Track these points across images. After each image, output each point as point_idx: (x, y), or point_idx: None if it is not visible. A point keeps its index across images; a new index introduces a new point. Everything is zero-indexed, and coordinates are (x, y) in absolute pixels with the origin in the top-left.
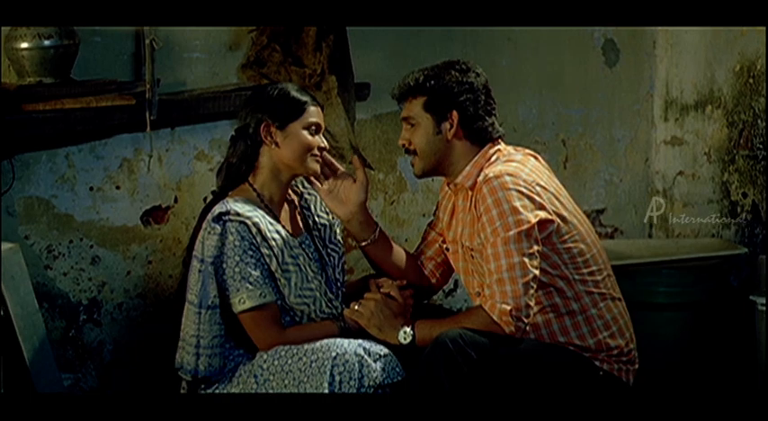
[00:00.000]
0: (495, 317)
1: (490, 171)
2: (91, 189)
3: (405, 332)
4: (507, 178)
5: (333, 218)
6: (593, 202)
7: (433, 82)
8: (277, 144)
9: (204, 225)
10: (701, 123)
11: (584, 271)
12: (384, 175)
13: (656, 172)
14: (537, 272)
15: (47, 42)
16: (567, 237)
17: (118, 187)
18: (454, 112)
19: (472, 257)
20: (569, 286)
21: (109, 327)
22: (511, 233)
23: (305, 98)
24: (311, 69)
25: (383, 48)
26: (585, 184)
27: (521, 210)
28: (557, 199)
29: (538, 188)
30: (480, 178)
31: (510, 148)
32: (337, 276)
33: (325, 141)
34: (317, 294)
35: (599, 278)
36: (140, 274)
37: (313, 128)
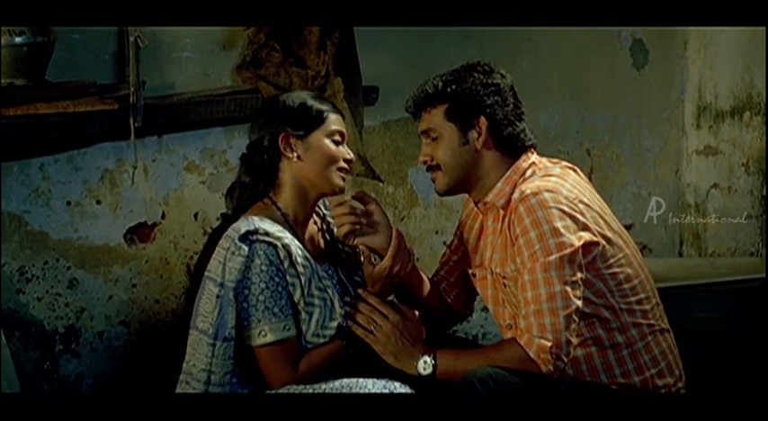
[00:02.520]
0: (531, 354)
1: (527, 187)
2: (68, 204)
3: (425, 362)
4: (547, 195)
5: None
6: (620, 217)
7: (454, 86)
8: (299, 157)
9: (225, 243)
10: (738, 131)
11: (632, 299)
12: (394, 188)
13: (687, 184)
14: (580, 303)
15: (18, 39)
16: (612, 260)
17: (98, 202)
18: (482, 118)
19: (504, 286)
20: (615, 316)
21: (88, 358)
22: (551, 258)
23: (325, 106)
24: (314, 71)
25: (393, 47)
26: (612, 198)
27: (562, 231)
28: (601, 218)
29: (581, 206)
30: (516, 196)
31: (545, 160)
32: None
33: (351, 152)
34: (338, 333)
35: (647, 307)
36: (123, 299)
37: (337, 136)
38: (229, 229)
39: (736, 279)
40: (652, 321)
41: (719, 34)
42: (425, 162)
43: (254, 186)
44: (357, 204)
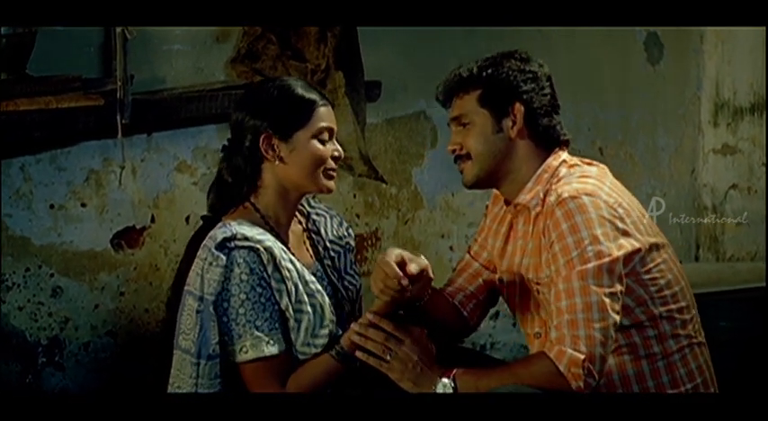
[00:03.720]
0: (561, 368)
1: (563, 190)
2: (51, 207)
3: (444, 384)
4: (586, 199)
5: (347, 242)
6: None
7: (490, 71)
8: (282, 159)
9: (203, 254)
10: (759, 129)
11: (673, 306)
12: (397, 190)
13: (703, 185)
14: (617, 317)
15: None
16: (652, 266)
17: (83, 204)
18: (518, 104)
19: (538, 292)
20: (653, 324)
21: (73, 372)
22: (590, 266)
23: (312, 96)
24: (314, 64)
25: (397, 41)
26: None
27: (602, 239)
28: (641, 222)
29: (620, 211)
30: (552, 198)
31: (576, 159)
32: (357, 314)
33: (339, 148)
34: (329, 342)
35: (687, 317)
36: (110, 308)
37: (325, 134)
38: (207, 238)
39: (759, 286)
40: (691, 332)
41: (738, 28)
42: (454, 151)
43: (235, 188)
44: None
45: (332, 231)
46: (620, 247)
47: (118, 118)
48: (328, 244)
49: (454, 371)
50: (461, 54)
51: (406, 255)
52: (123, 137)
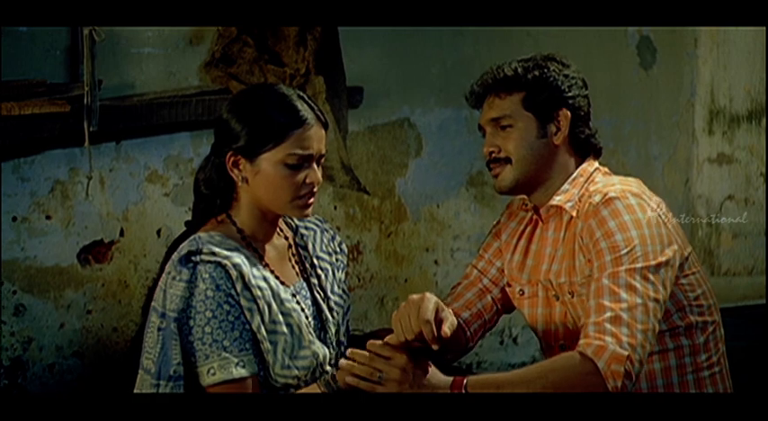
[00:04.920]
0: (600, 364)
1: (609, 190)
2: (14, 219)
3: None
4: (633, 200)
5: (336, 259)
6: None
7: (536, 73)
8: (246, 181)
9: (168, 268)
10: (756, 137)
11: (708, 319)
12: (380, 201)
13: (698, 196)
14: (658, 326)
15: None
16: (690, 273)
17: (48, 217)
18: (564, 111)
19: (572, 295)
20: (688, 334)
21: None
22: (638, 265)
23: (294, 116)
24: (292, 69)
25: (379, 43)
26: None
27: (650, 240)
28: (680, 228)
29: (663, 217)
30: (597, 198)
31: (605, 168)
32: (341, 338)
33: (318, 175)
34: (312, 365)
35: (718, 334)
36: (77, 327)
37: (293, 160)
38: (175, 251)
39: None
40: (721, 350)
41: (734, 31)
42: (491, 153)
43: (210, 200)
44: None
45: (320, 247)
46: (667, 252)
47: (85, 125)
48: (315, 260)
49: (465, 380)
50: (446, 58)
51: (441, 306)
52: (90, 145)
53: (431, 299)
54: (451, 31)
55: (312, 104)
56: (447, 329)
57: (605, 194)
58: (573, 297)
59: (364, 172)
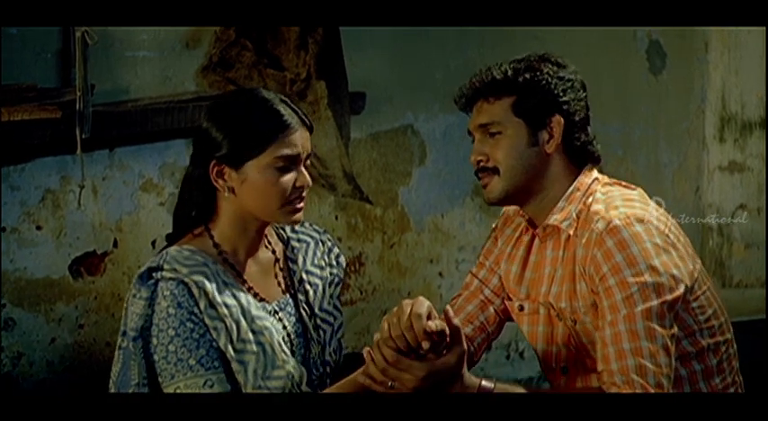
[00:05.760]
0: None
1: (611, 215)
2: (3, 230)
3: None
4: (639, 227)
5: (330, 273)
6: None
7: (527, 76)
8: (233, 190)
9: (131, 285)
10: None
11: (720, 339)
12: (382, 211)
13: (708, 204)
14: (673, 363)
15: None
16: (700, 293)
17: (39, 227)
18: (557, 117)
19: (574, 323)
20: (700, 358)
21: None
22: (653, 304)
23: (278, 120)
24: (293, 73)
25: (382, 47)
26: None
27: (661, 269)
28: (688, 246)
29: (672, 237)
30: (600, 226)
31: (606, 178)
32: (327, 357)
33: (308, 177)
34: (287, 385)
35: (731, 352)
36: (68, 342)
37: (282, 163)
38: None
39: None
40: (735, 369)
41: (746, 35)
42: (479, 161)
43: (189, 212)
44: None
45: (312, 260)
46: (678, 279)
47: (77, 132)
48: (304, 275)
49: (493, 385)
50: (450, 63)
51: (434, 313)
52: (83, 152)
53: (424, 301)
54: (455, 33)
55: (295, 108)
56: (433, 325)
57: (609, 222)
58: (576, 324)
59: (366, 180)
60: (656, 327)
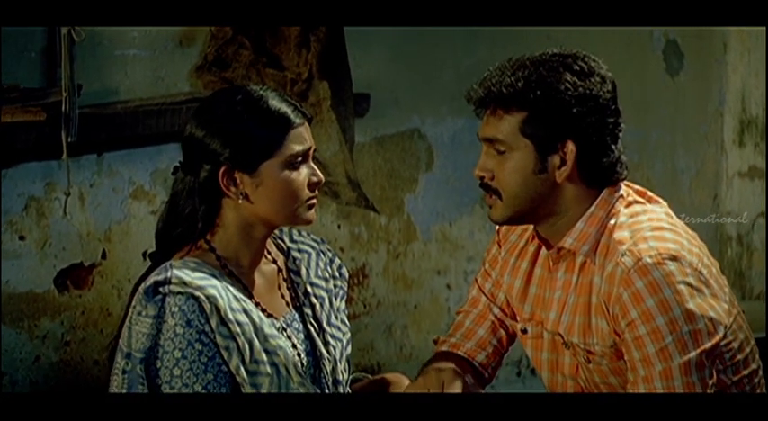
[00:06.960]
0: None
1: (642, 250)
2: None
3: None
4: (672, 266)
5: (334, 285)
6: None
7: (539, 92)
8: (247, 197)
9: (134, 302)
10: None
11: (744, 372)
12: (387, 219)
13: (727, 212)
14: None
15: None
16: (731, 322)
17: (22, 238)
18: (570, 144)
19: (588, 361)
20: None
21: None
22: (692, 356)
23: (285, 114)
24: (294, 73)
25: (387, 46)
26: None
27: (697, 312)
28: (719, 276)
29: (705, 272)
30: (627, 261)
31: (630, 189)
32: (338, 376)
33: (318, 171)
34: None
35: (756, 381)
36: (53, 360)
37: (299, 159)
38: (143, 283)
39: None
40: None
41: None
42: (482, 178)
43: (186, 225)
44: None
45: (316, 272)
46: (717, 322)
47: (63, 135)
48: (309, 287)
49: None
50: (459, 63)
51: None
52: (69, 157)
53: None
54: (465, 32)
55: (292, 100)
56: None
57: (638, 259)
58: (590, 363)
59: (371, 187)
60: (696, 382)
